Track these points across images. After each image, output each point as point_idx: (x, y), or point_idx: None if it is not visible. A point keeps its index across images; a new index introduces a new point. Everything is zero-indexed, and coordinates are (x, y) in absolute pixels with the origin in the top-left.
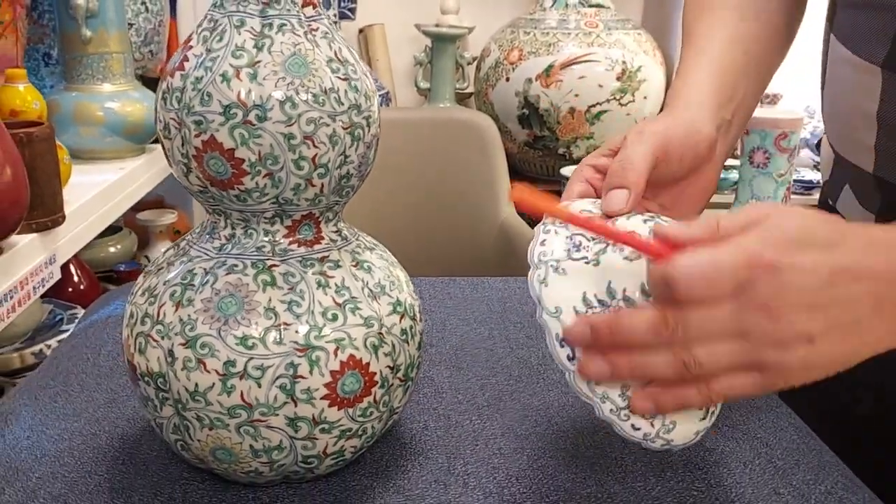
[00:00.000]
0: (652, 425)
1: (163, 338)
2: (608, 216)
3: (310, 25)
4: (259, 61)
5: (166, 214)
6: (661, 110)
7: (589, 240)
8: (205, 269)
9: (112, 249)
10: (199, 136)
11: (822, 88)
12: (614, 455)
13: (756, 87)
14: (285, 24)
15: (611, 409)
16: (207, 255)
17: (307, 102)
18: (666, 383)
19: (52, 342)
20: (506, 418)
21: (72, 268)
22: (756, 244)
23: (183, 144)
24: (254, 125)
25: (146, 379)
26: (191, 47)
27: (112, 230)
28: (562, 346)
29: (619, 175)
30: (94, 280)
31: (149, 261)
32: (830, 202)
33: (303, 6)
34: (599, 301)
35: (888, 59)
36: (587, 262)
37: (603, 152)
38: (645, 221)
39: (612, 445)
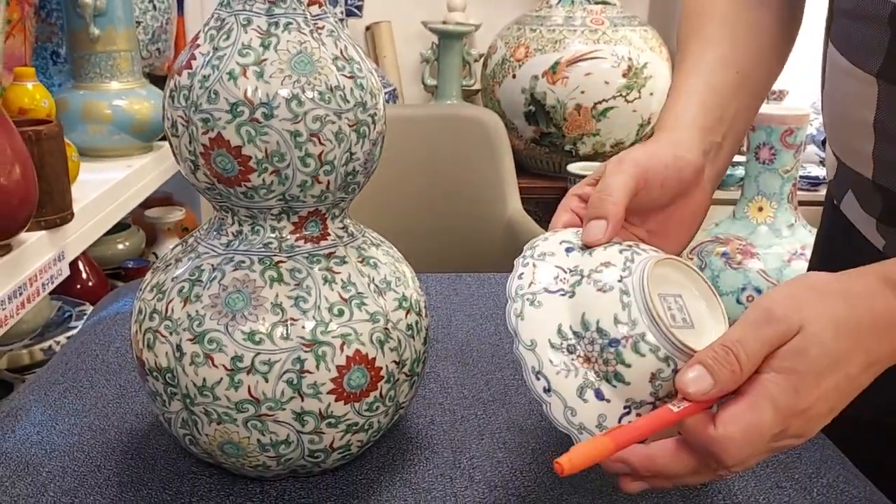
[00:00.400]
0: None
1: (171, 333)
2: (587, 246)
3: (315, 24)
4: (265, 59)
5: (174, 212)
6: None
7: (566, 272)
8: (212, 266)
9: (120, 246)
10: (207, 134)
11: (822, 94)
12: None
13: (749, 105)
14: (291, 23)
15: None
16: (215, 251)
17: (313, 100)
18: None
19: (61, 339)
20: (511, 413)
21: (80, 265)
22: (788, 398)
23: (190, 142)
24: (260, 123)
25: (154, 374)
26: (198, 46)
27: (120, 227)
28: (538, 379)
29: (597, 206)
30: (103, 277)
31: (157, 258)
32: (835, 202)
33: (308, 5)
34: (574, 333)
35: (883, 69)
36: (563, 294)
37: (588, 182)
38: (621, 251)
39: None
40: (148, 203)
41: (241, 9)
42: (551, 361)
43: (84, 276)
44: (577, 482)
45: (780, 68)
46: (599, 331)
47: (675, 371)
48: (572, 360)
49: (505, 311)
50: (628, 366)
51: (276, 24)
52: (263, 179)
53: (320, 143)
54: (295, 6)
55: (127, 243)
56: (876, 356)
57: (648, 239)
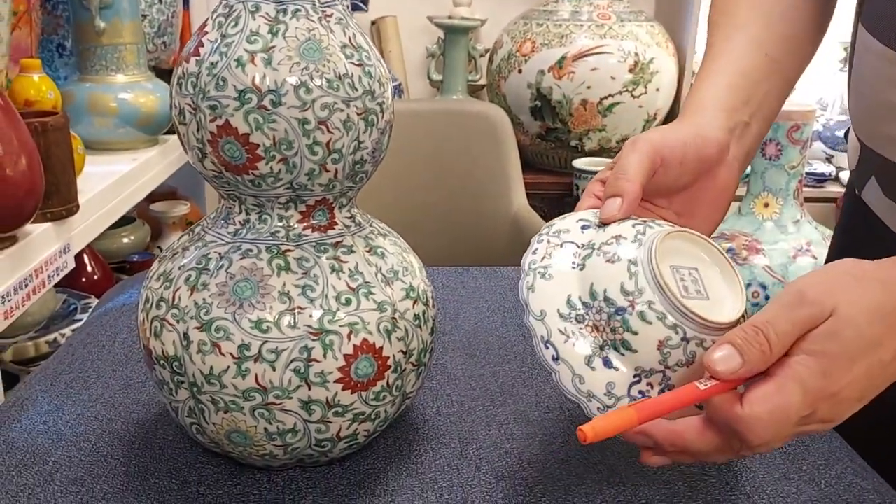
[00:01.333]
0: None
1: (178, 322)
2: (604, 223)
3: (324, 11)
4: (274, 46)
5: (179, 206)
6: (674, 102)
7: (579, 247)
8: (220, 254)
9: (125, 240)
10: (214, 121)
11: (849, 79)
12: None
13: (780, 88)
14: (300, 10)
15: (598, 408)
16: (222, 239)
17: (321, 88)
18: None
19: (66, 331)
20: (518, 404)
21: (85, 258)
22: (817, 380)
23: (198, 129)
24: (268, 110)
25: (161, 363)
26: (206, 33)
27: (125, 221)
28: (546, 348)
29: (613, 184)
30: (108, 270)
31: (161, 252)
32: (857, 191)
33: None
34: (583, 303)
35: None
36: (574, 267)
37: (610, 166)
38: (634, 226)
39: None
40: (153, 197)
41: None
42: (560, 331)
43: (89, 269)
44: (584, 473)
45: (812, 54)
46: (607, 300)
47: (685, 339)
48: (580, 329)
49: (517, 294)
50: (635, 333)
51: (285, 11)
52: (271, 167)
53: (328, 131)
54: None
55: (132, 237)
56: None
57: (677, 220)
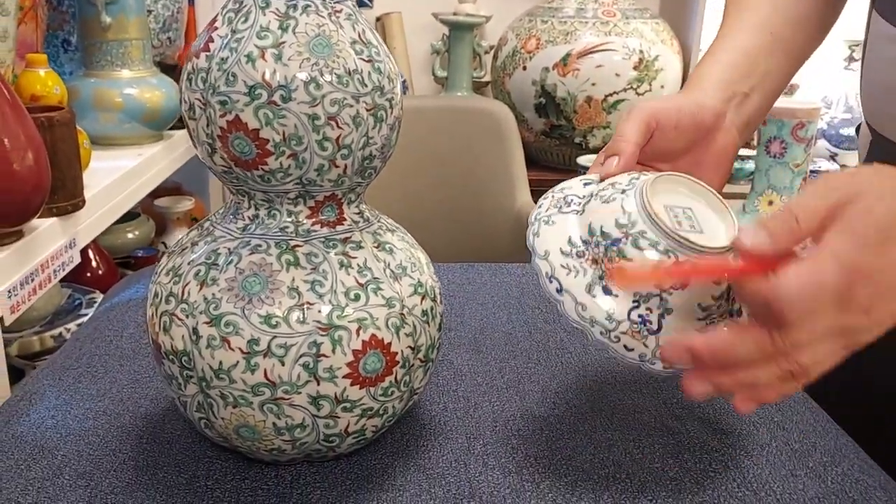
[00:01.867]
0: (645, 346)
1: (187, 316)
2: (603, 179)
3: (334, 7)
4: (284, 42)
5: (184, 201)
6: None
7: (580, 198)
8: (229, 249)
9: (130, 235)
10: (224, 117)
11: (862, 69)
12: (632, 437)
13: (783, 66)
14: (310, 6)
15: (601, 332)
16: (231, 234)
17: (331, 83)
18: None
19: (72, 326)
20: (525, 400)
21: (90, 253)
22: (850, 252)
23: (208, 125)
24: (278, 106)
25: (171, 357)
26: (216, 28)
27: (130, 216)
28: (550, 282)
29: (611, 146)
30: (113, 265)
31: (166, 247)
32: None
33: None
34: (583, 241)
35: None
36: (575, 213)
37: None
38: (629, 175)
39: (631, 428)
40: (157, 192)
41: None
42: (562, 265)
43: (94, 264)
44: (590, 469)
45: (821, 36)
46: (603, 234)
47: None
48: (581, 262)
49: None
50: (630, 260)
51: (295, 6)
52: (280, 163)
53: (338, 126)
54: None
55: (136, 232)
56: None
57: None
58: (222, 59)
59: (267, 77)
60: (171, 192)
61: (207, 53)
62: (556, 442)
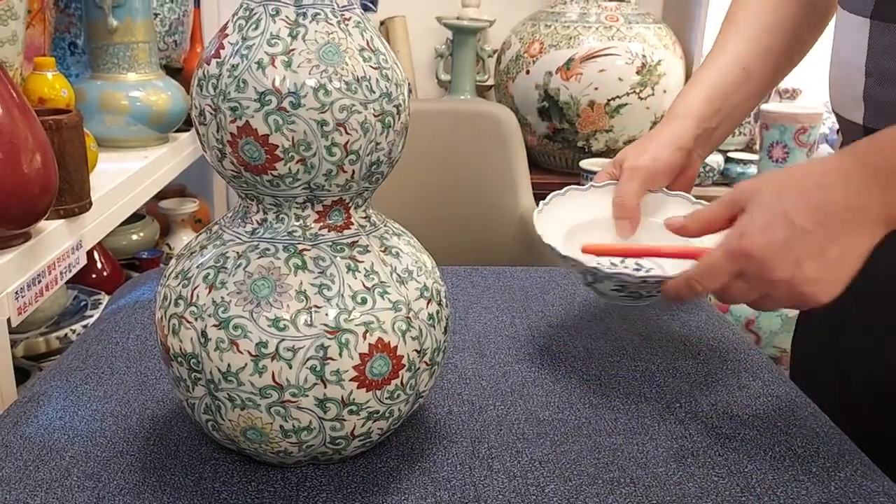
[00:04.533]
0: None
1: (196, 319)
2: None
3: (343, 15)
4: (293, 49)
5: (188, 203)
6: None
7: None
8: (237, 253)
9: (135, 237)
10: (235, 122)
11: (831, 59)
12: (637, 441)
13: (751, 97)
14: (319, 14)
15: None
16: (240, 238)
17: (340, 90)
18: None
19: (77, 327)
20: (529, 404)
21: (95, 254)
22: (733, 240)
23: (218, 130)
24: (288, 112)
25: (179, 359)
26: (226, 35)
27: (135, 218)
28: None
29: (620, 209)
30: (118, 267)
31: (171, 248)
32: None
33: None
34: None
35: (875, 9)
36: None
37: (614, 165)
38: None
39: (635, 432)
40: (162, 194)
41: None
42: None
43: (99, 265)
44: (595, 473)
45: (789, 66)
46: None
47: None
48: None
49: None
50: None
51: (305, 14)
52: (290, 168)
53: (346, 132)
54: None
55: (141, 234)
56: (821, 201)
57: None
58: (233, 65)
59: (277, 83)
60: (176, 194)
61: (218, 60)
62: (560, 446)
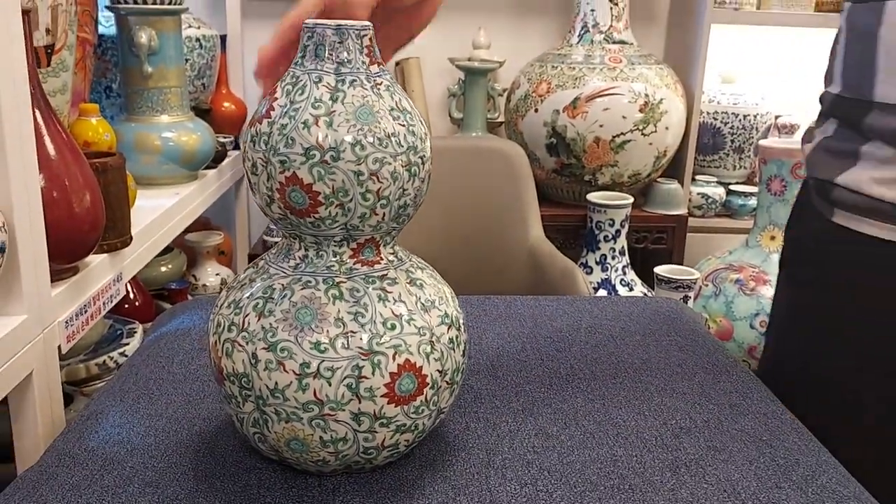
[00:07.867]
0: None
1: (247, 343)
2: None
3: (375, 80)
4: (334, 111)
5: (213, 236)
6: (682, 139)
7: None
8: (283, 285)
9: (164, 269)
10: (283, 173)
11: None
12: (635, 453)
13: None
14: (355, 80)
15: None
16: (284, 272)
17: (373, 145)
18: None
19: (114, 354)
20: (538, 420)
21: (128, 286)
22: None
23: (268, 180)
24: (329, 164)
25: (232, 379)
26: (276, 98)
27: (164, 250)
28: None
29: None
30: (149, 297)
31: (196, 279)
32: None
33: (370, 65)
34: None
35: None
36: None
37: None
38: None
39: (633, 445)
40: (188, 228)
41: (313, 68)
42: None
43: (132, 296)
44: (597, 480)
45: None
46: None
47: None
48: None
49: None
50: None
51: (343, 80)
52: (329, 212)
53: (378, 181)
54: (359, 66)
55: (170, 265)
56: None
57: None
58: (282, 125)
59: (320, 140)
60: (201, 227)
61: (269, 120)
62: (566, 457)
